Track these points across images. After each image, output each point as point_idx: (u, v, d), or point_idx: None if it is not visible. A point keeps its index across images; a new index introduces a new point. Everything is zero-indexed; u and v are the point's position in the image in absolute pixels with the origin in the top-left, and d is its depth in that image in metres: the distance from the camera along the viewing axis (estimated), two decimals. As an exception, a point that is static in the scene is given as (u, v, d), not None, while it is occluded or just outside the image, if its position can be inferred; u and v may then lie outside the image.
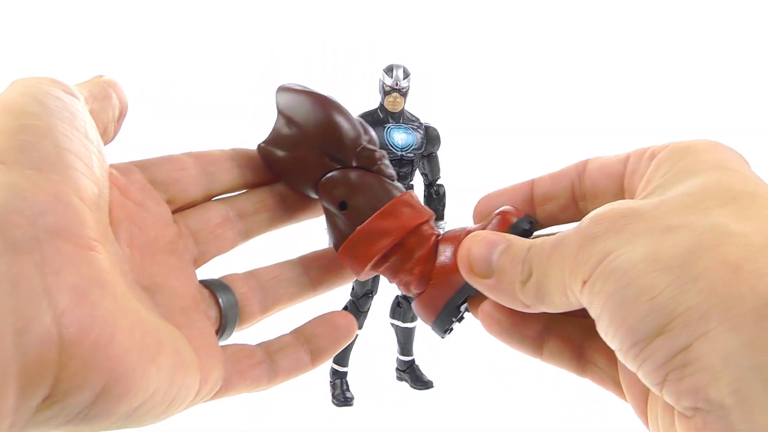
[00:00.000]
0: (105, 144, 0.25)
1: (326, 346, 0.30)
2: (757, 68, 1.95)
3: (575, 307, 0.22)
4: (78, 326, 0.19)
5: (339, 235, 0.30)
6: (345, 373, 1.52)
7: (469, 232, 0.28)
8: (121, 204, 0.25)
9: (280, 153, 0.30)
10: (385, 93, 1.44)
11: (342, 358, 1.51)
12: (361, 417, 1.44)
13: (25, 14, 1.82)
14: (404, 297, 1.52)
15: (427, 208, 0.30)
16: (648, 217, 0.20)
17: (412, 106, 1.49)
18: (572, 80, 1.99)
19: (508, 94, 1.95)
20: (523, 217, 0.27)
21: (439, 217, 1.52)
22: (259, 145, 0.31)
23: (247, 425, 1.37)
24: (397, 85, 1.43)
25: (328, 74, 1.95)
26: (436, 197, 1.52)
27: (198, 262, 0.29)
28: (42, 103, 0.21)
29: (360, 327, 1.51)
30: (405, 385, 1.60)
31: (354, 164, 0.30)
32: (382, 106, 1.45)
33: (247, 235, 0.31)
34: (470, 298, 0.28)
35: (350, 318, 0.31)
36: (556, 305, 0.22)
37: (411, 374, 1.59)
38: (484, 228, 0.27)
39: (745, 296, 0.17)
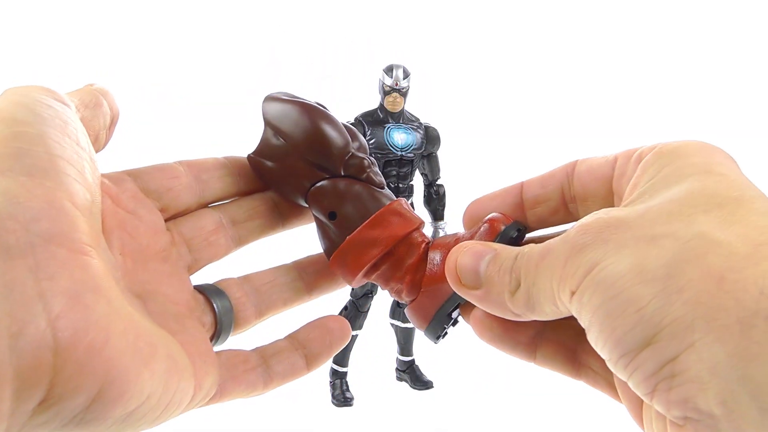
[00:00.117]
0: (97, 152, 0.25)
1: (320, 351, 0.30)
2: (751, 68, 1.94)
3: (566, 315, 0.22)
4: (72, 330, 0.19)
5: (330, 244, 0.30)
6: (345, 373, 1.52)
7: (458, 239, 0.28)
8: (113, 212, 0.26)
9: (268, 163, 0.30)
10: (385, 93, 1.44)
11: (342, 359, 1.51)
12: (361, 417, 1.44)
13: (25, 14, 1.82)
14: (404, 305, 1.52)
15: (416, 215, 0.30)
16: (633, 226, 0.20)
17: (412, 106, 1.49)
18: (572, 80, 1.99)
19: (508, 94, 1.95)
20: (511, 224, 0.27)
21: (439, 217, 1.52)
22: (248, 156, 0.31)
23: (247, 425, 1.37)
24: (397, 85, 1.43)
25: (328, 74, 1.95)
26: (436, 197, 1.52)
27: (192, 269, 0.29)
28: (34, 111, 0.22)
29: (360, 327, 1.51)
30: (405, 385, 1.60)
31: (342, 173, 0.30)
32: (382, 106, 1.45)
33: (240, 241, 0.31)
34: (462, 304, 0.28)
35: (343, 322, 0.31)
36: (547, 314, 0.23)
37: (411, 374, 1.59)
38: (473, 236, 0.27)
39: (729, 307, 0.17)
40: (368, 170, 0.30)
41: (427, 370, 1.60)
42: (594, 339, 0.20)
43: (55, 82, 0.25)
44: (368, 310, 1.51)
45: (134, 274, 0.26)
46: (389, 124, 1.44)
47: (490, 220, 0.27)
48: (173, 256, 0.28)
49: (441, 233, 1.48)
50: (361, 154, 0.30)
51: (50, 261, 0.19)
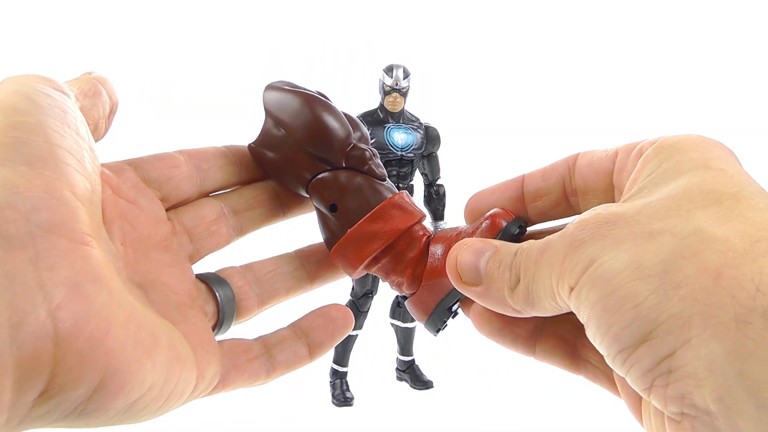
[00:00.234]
0: (96, 141, 0.25)
1: (323, 340, 0.30)
2: (750, 65, 1.95)
3: (566, 310, 0.22)
4: (73, 320, 0.19)
5: (331, 235, 0.30)
6: (345, 373, 1.52)
7: (460, 233, 0.28)
8: (114, 202, 0.26)
9: (269, 154, 0.30)
10: (385, 93, 1.44)
11: (342, 358, 1.51)
12: (361, 417, 1.44)
13: (24, 14, 1.82)
14: (404, 297, 1.52)
15: (418, 208, 0.30)
16: (631, 222, 0.20)
17: (412, 106, 1.49)
18: (572, 80, 1.99)
19: (508, 94, 1.95)
20: (513, 220, 0.27)
21: (439, 217, 1.52)
22: (249, 145, 0.31)
23: (247, 425, 1.37)
24: (397, 85, 1.43)
25: (328, 74, 1.95)
26: (436, 197, 1.52)
27: (193, 258, 0.29)
28: (33, 100, 0.21)
29: (360, 327, 1.51)
30: (405, 385, 1.60)
31: (344, 165, 0.30)
32: (382, 106, 1.45)
33: (241, 231, 0.31)
34: (462, 299, 0.28)
35: (346, 311, 0.31)
36: (547, 309, 0.23)
37: (411, 374, 1.59)
38: (474, 231, 0.27)
39: (726, 304, 0.17)
40: (370, 162, 0.30)
41: (427, 370, 1.60)
42: (592, 335, 0.20)
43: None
44: (368, 310, 1.51)
45: (135, 264, 0.26)
46: (389, 124, 1.44)
47: (491, 216, 0.27)
48: (174, 246, 0.28)
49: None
50: (362, 146, 0.30)
51: (50, 251, 0.19)
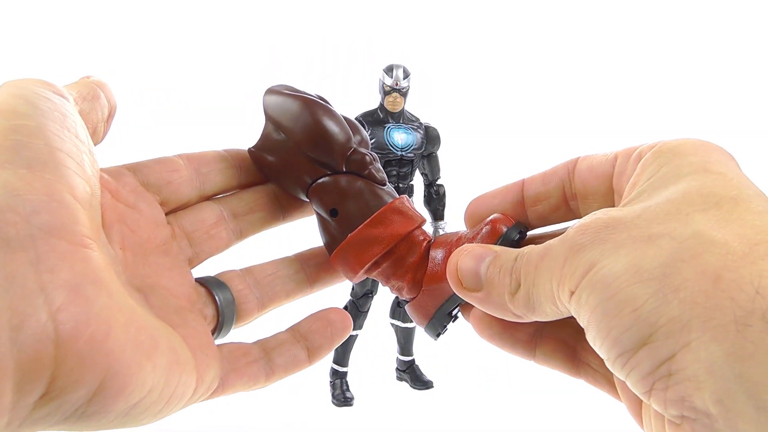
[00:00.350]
0: (95, 144, 0.25)
1: (322, 343, 0.30)
2: (749, 68, 1.94)
3: (566, 315, 0.22)
4: (74, 323, 0.19)
5: (331, 240, 0.30)
6: (345, 373, 1.52)
7: (460, 238, 0.28)
8: (113, 207, 0.26)
9: (269, 158, 0.30)
10: (385, 93, 1.44)
11: (342, 359, 1.51)
12: (361, 417, 1.44)
13: (24, 19, 1.82)
14: (404, 301, 1.52)
15: (418, 212, 0.30)
16: (631, 226, 0.20)
17: (412, 106, 1.49)
18: (572, 80, 1.99)
19: (508, 94, 1.94)
20: (513, 226, 0.27)
21: (439, 217, 1.52)
22: (249, 149, 0.31)
23: (247, 425, 1.37)
24: (397, 85, 1.43)
25: (328, 74, 1.95)
26: (436, 197, 1.52)
27: (193, 262, 0.29)
28: (33, 104, 0.22)
29: (360, 327, 1.51)
30: (405, 385, 1.60)
31: (344, 169, 0.30)
32: (382, 106, 1.45)
33: (241, 234, 0.31)
34: (462, 303, 0.28)
35: (344, 315, 0.31)
36: (548, 314, 0.23)
37: (411, 374, 1.59)
38: (475, 236, 0.27)
39: (725, 307, 0.17)
40: (370, 167, 0.30)
41: (427, 370, 1.60)
42: (592, 338, 0.20)
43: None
44: (368, 310, 1.51)
45: (135, 268, 0.26)
46: (389, 124, 1.44)
47: (491, 221, 0.27)
48: (174, 250, 0.28)
49: (441, 233, 1.48)
50: (363, 150, 0.30)
51: (51, 253, 0.19)
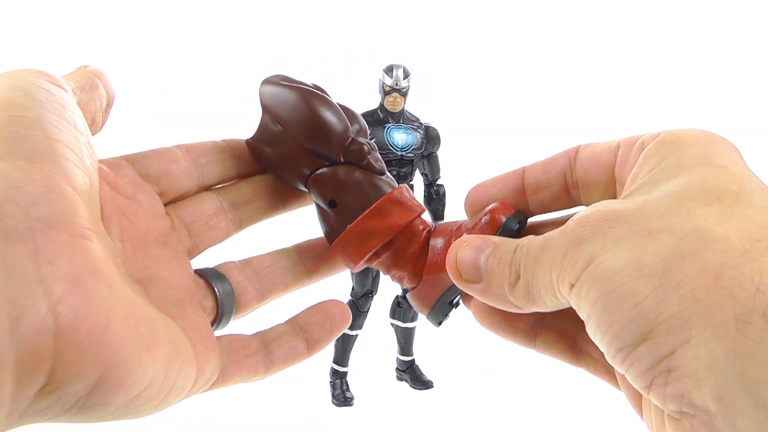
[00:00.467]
0: (93, 134, 0.25)
1: (321, 335, 0.30)
2: (749, 60, 1.94)
3: (566, 306, 0.22)
4: (73, 314, 0.19)
5: (331, 230, 0.30)
6: (345, 373, 1.52)
7: (460, 226, 0.28)
8: (111, 198, 0.26)
9: (267, 150, 0.30)
10: (385, 93, 1.44)
11: (342, 358, 1.51)
12: (361, 417, 1.44)
13: (23, 20, 1.82)
14: (404, 297, 1.52)
15: (417, 202, 0.30)
16: (631, 220, 0.20)
17: (412, 106, 1.49)
18: (572, 80, 1.99)
19: (508, 94, 1.95)
20: (512, 216, 0.27)
21: (439, 217, 1.52)
22: (246, 141, 0.31)
23: (247, 425, 1.37)
24: (397, 85, 1.43)
25: (328, 74, 1.95)
26: (436, 197, 1.52)
27: (192, 253, 0.29)
28: (30, 94, 0.21)
29: (360, 327, 1.51)
30: (405, 385, 1.60)
31: (342, 160, 0.29)
32: (382, 106, 1.45)
33: (240, 224, 0.31)
34: (462, 293, 0.28)
35: (343, 307, 0.31)
36: (548, 305, 0.23)
37: (411, 374, 1.59)
38: (474, 227, 0.27)
39: (725, 304, 0.17)
40: (368, 156, 0.30)
41: (427, 370, 1.60)
42: (592, 332, 0.20)
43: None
44: (368, 310, 1.51)
45: (134, 260, 0.26)
46: (389, 124, 1.44)
47: (491, 210, 0.27)
48: (173, 241, 0.28)
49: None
50: (361, 140, 0.30)
51: (50, 245, 0.19)
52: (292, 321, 0.30)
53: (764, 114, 1.86)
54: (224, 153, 0.31)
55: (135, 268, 0.25)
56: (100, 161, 0.26)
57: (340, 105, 0.30)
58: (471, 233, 0.27)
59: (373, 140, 0.31)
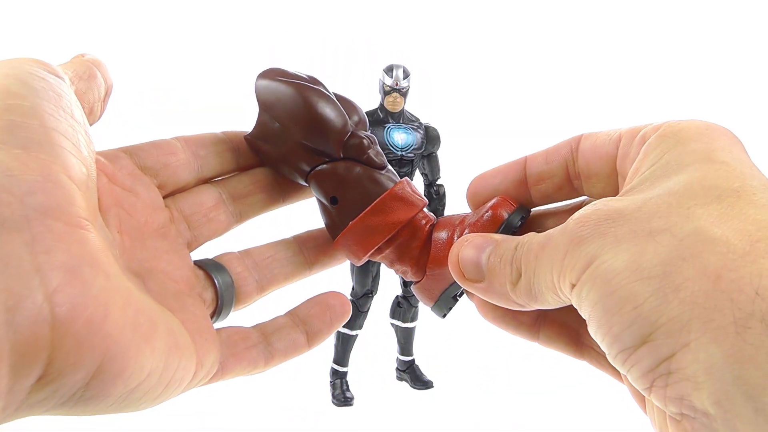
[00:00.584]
0: (91, 124, 0.25)
1: (321, 327, 0.30)
2: (750, 55, 1.94)
3: (568, 303, 0.22)
4: (70, 305, 0.18)
5: (333, 226, 0.30)
6: (345, 373, 1.52)
7: (463, 220, 0.28)
8: (109, 190, 0.25)
9: (265, 146, 0.30)
10: (385, 93, 1.44)
11: (342, 358, 1.51)
12: (361, 417, 1.44)
13: (23, 19, 1.82)
14: (404, 297, 1.52)
15: (419, 196, 0.30)
16: (631, 220, 0.20)
17: (412, 106, 1.49)
18: (572, 80, 1.99)
19: (508, 94, 1.95)
20: (515, 211, 0.27)
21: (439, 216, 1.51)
22: (245, 137, 0.31)
23: (247, 425, 1.37)
24: (397, 85, 1.43)
25: (328, 74, 1.95)
26: (436, 197, 1.51)
27: (192, 245, 0.29)
28: (27, 83, 0.21)
29: (360, 327, 1.51)
30: (405, 385, 1.60)
31: (342, 155, 0.29)
32: (382, 106, 1.45)
33: (240, 217, 0.31)
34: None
35: (343, 298, 0.31)
36: (550, 303, 0.23)
37: (411, 374, 1.59)
38: (476, 222, 0.27)
39: (725, 308, 0.17)
40: (368, 151, 0.29)
41: (427, 370, 1.60)
42: (594, 332, 0.20)
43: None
44: (368, 310, 1.51)
45: (132, 252, 0.25)
46: (389, 124, 1.44)
47: (493, 206, 0.27)
48: (172, 233, 0.28)
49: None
50: (361, 133, 0.29)
51: (47, 234, 0.19)
52: (291, 313, 0.30)
53: (763, 106, 1.86)
54: (224, 145, 0.30)
55: (133, 260, 0.25)
56: (98, 153, 0.26)
57: (337, 96, 0.30)
58: (473, 230, 0.27)
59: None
